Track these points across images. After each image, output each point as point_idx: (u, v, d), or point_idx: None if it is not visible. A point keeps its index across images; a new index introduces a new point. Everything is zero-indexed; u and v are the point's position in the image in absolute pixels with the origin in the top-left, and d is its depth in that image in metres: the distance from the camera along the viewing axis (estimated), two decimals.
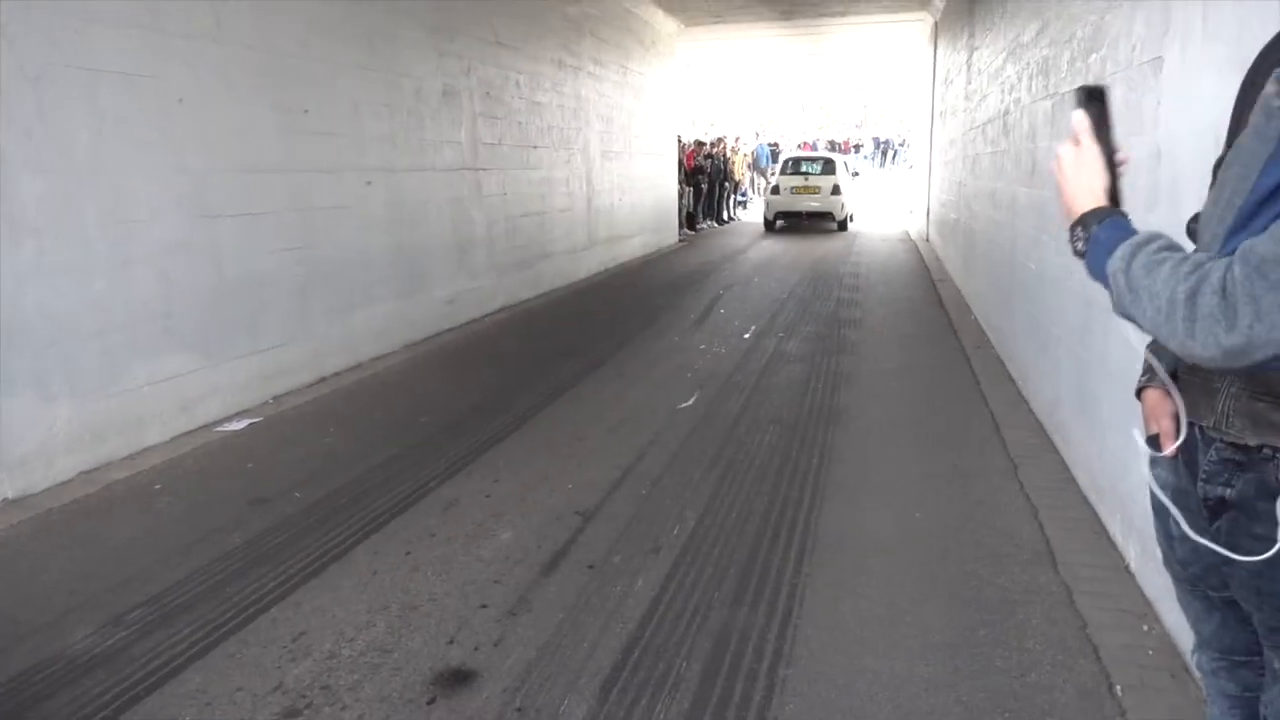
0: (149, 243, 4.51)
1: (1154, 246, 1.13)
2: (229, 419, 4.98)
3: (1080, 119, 1.26)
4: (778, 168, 20.00)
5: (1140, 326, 1.13)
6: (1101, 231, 1.19)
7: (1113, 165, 1.29)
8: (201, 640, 2.71)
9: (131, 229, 4.41)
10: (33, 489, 3.89)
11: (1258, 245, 1.01)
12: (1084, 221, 1.22)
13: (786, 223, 17.66)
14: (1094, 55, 3.75)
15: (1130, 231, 1.19)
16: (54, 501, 3.84)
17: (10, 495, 3.79)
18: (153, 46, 4.48)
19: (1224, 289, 1.00)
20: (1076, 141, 1.28)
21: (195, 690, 2.45)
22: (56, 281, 4.00)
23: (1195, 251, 1.21)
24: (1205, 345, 1.02)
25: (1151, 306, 1.08)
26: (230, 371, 5.08)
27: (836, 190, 17.31)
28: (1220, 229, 1.14)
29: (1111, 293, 1.16)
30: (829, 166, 18.00)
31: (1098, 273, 1.19)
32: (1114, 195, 1.28)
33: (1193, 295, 1.03)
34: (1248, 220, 1.10)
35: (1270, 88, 1.09)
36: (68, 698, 2.43)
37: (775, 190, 17.97)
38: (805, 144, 35.32)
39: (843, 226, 17.51)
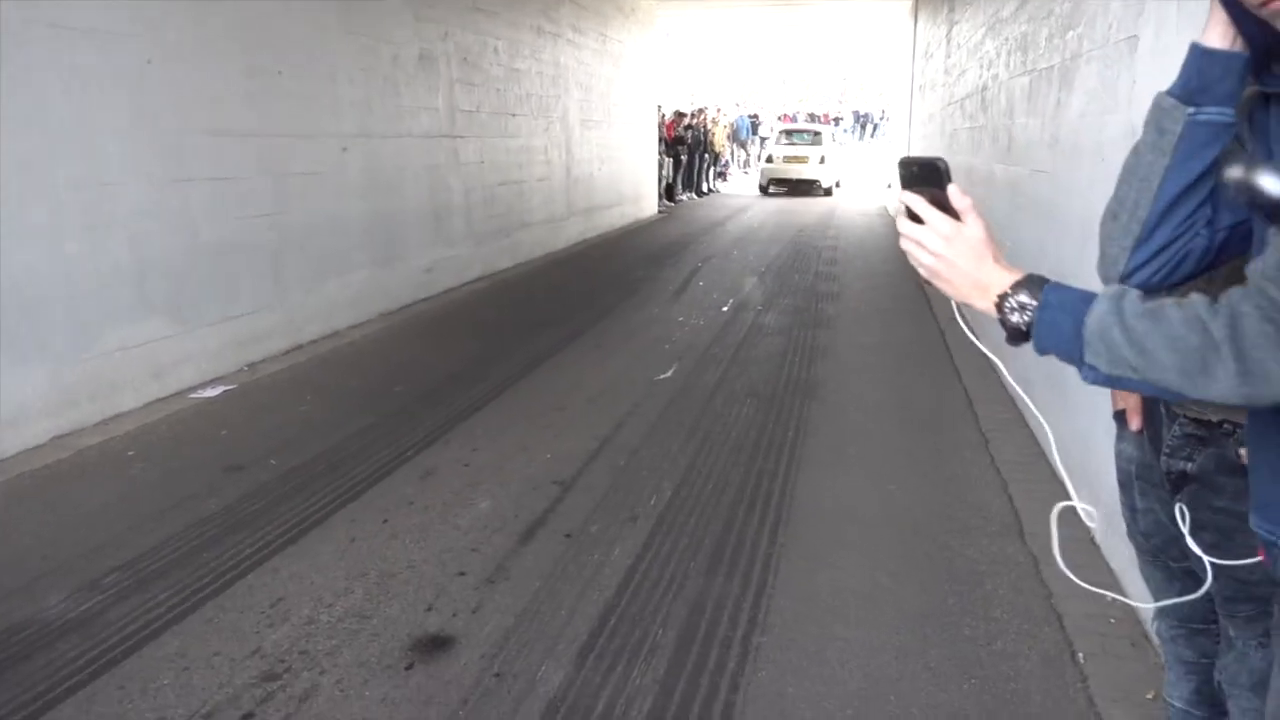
0: (120, 206, 4.44)
1: (1135, 295, 1.02)
2: (203, 386, 4.94)
3: (959, 194, 1.08)
4: (770, 139, 21.90)
5: (1151, 384, 0.99)
6: (1052, 294, 1.04)
7: None
8: (178, 605, 2.71)
9: (103, 192, 4.34)
10: (4, 452, 3.85)
11: None
12: (1024, 288, 1.06)
13: (779, 188, 19.59)
14: (1071, 32, 3.77)
15: (1084, 290, 1.06)
16: (26, 465, 3.81)
17: None
18: (122, 2, 4.38)
19: (1269, 316, 0.90)
20: (955, 217, 1.09)
21: (173, 654, 2.46)
22: (28, 244, 3.93)
23: (1101, 264, 1.20)
24: (1272, 379, 0.91)
25: (1175, 354, 0.96)
26: (203, 338, 5.03)
27: (823, 160, 19.44)
28: (1127, 240, 1.15)
29: (1094, 356, 1.00)
30: (817, 138, 20.36)
31: (1064, 340, 1.03)
32: None
33: (1233, 331, 0.92)
34: (1153, 229, 1.13)
35: (1163, 101, 1.12)
36: (43, 660, 2.43)
37: (769, 159, 20.03)
38: (785, 116, 35.17)
39: (828, 192, 19.32)
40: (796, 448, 4.09)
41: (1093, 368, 1.02)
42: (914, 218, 1.10)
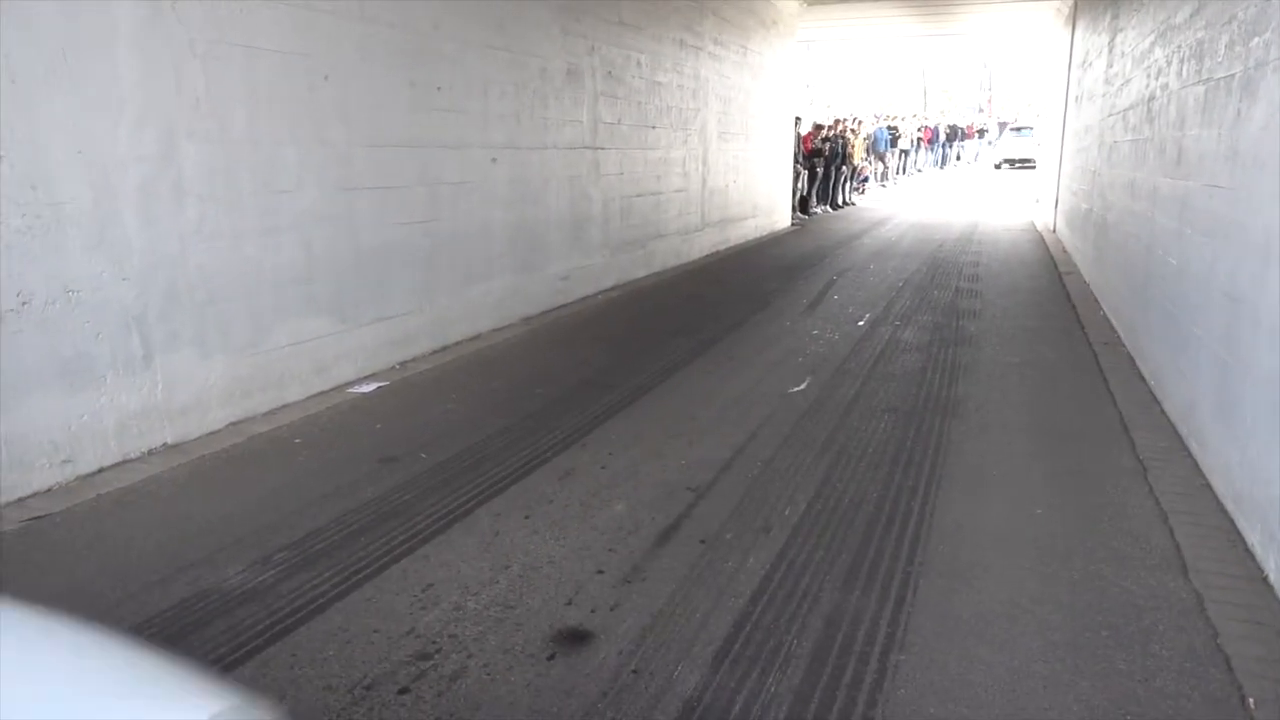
0: (293, 211, 4.79)
1: None
2: (359, 381, 5.26)
3: None
4: (998, 138, 35.77)
5: None
6: None
7: None
8: (341, 583, 2.91)
9: (279, 198, 4.69)
10: (189, 436, 4.22)
11: None
12: None
13: (1008, 164, 31.66)
14: (1256, 39, 3.54)
15: None
16: (206, 449, 4.16)
17: (170, 440, 4.12)
18: (302, 24, 4.73)
19: None
20: None
21: (337, 628, 2.64)
22: (214, 245, 4.30)
23: None
24: None
25: None
26: (361, 337, 5.36)
27: (1038, 145, 29.66)
28: None
29: None
30: (1032, 132, 29.44)
31: None
32: None
33: None
34: None
35: None
36: (224, 626, 2.66)
37: (999, 145, 33.61)
38: (926, 129, 34.16)
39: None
40: (937, 466, 3.99)
41: None
42: None
